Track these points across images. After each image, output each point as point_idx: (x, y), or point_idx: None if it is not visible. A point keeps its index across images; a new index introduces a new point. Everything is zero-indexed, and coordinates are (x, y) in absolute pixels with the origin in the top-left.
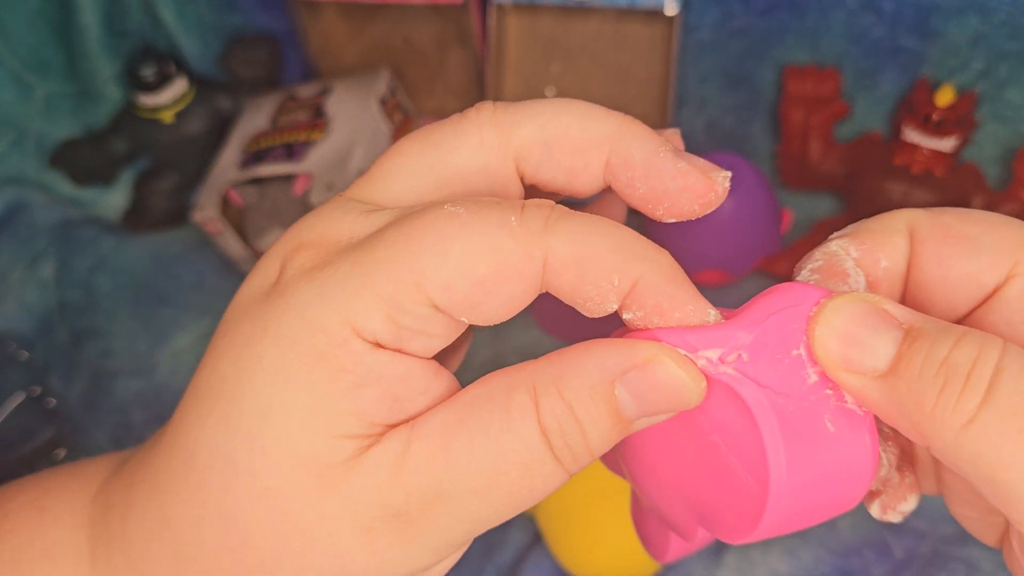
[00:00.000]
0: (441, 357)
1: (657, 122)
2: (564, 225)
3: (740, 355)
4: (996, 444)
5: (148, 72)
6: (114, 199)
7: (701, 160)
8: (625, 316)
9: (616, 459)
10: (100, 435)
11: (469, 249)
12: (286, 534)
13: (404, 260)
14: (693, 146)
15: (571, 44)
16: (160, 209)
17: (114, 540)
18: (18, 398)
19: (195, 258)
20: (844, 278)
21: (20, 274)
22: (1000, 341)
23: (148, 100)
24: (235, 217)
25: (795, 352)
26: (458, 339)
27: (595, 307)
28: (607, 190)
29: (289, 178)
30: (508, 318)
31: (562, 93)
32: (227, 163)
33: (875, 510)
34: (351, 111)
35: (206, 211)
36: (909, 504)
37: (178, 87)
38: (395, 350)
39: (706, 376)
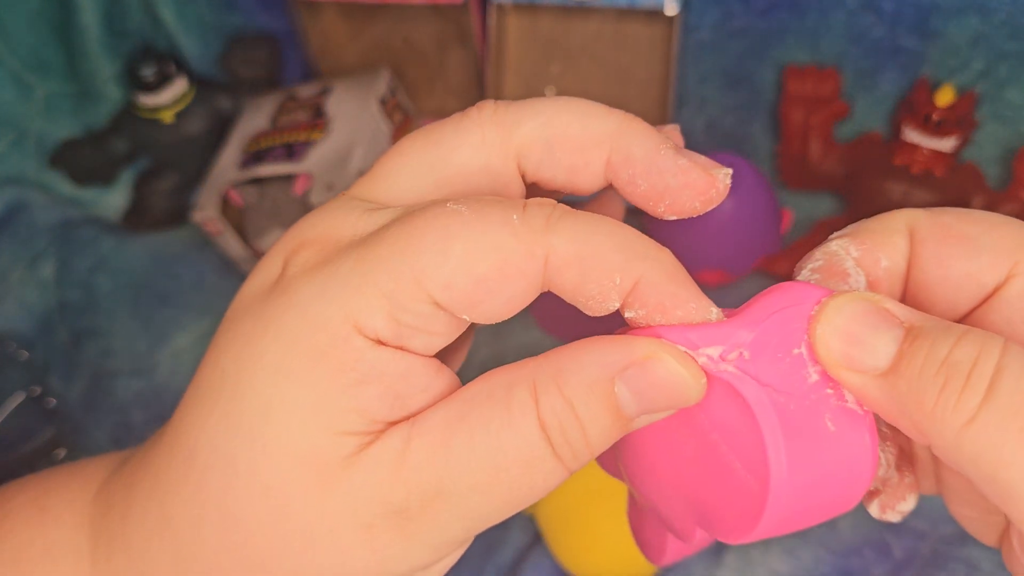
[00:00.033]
0: (443, 356)
1: (657, 122)
2: (566, 224)
3: (741, 353)
4: (997, 443)
5: (148, 72)
6: (114, 199)
7: (702, 157)
8: (627, 315)
9: (613, 461)
10: (100, 435)
11: (471, 247)
12: (286, 532)
13: (406, 258)
14: (693, 146)
15: (571, 44)
16: (160, 209)
17: (114, 539)
18: (18, 398)
19: (195, 258)
20: (844, 278)
21: (20, 274)
22: (1001, 340)
23: (148, 100)
24: (235, 217)
25: (796, 351)
26: (460, 338)
27: (597, 306)
28: (605, 189)
29: (289, 178)
30: (509, 316)
31: (562, 93)
32: (227, 163)
33: (874, 509)
34: (351, 111)
35: (206, 211)
36: (908, 504)
37: (178, 87)
38: (396, 347)
39: (707, 374)
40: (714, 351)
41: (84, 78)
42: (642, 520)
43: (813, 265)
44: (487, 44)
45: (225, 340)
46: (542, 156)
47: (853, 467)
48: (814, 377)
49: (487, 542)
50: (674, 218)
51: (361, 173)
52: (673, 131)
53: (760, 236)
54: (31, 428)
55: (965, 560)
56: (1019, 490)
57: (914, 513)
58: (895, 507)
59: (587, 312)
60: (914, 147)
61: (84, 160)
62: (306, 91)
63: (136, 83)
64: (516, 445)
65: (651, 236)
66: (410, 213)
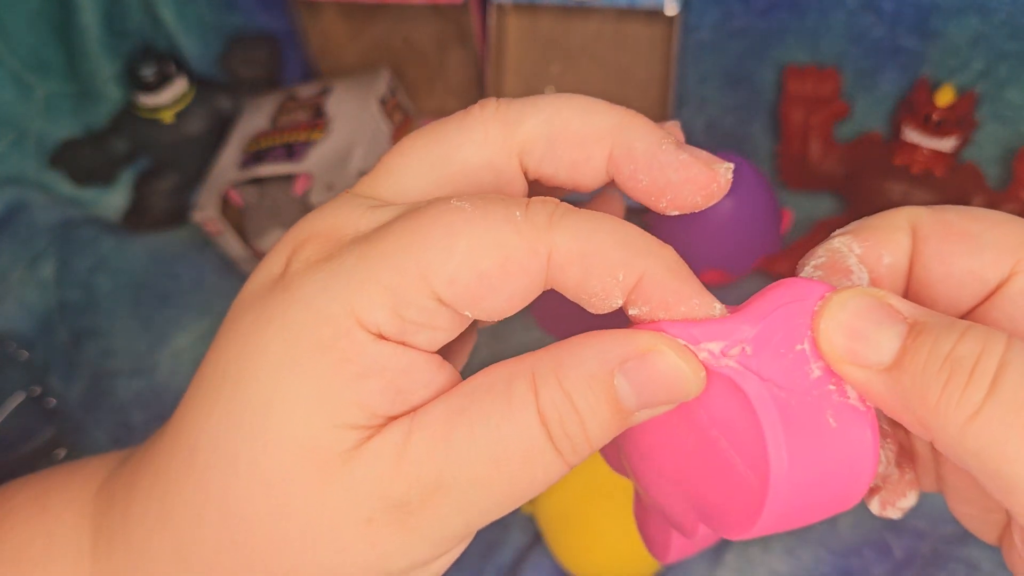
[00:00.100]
0: (445, 356)
1: (657, 122)
2: (568, 221)
3: (743, 348)
4: (1000, 438)
5: (148, 72)
6: (114, 199)
7: (703, 152)
8: (631, 312)
9: (617, 457)
10: (100, 435)
11: (474, 243)
12: (286, 527)
13: (410, 253)
14: (693, 146)
15: (571, 44)
16: (160, 209)
17: (115, 536)
18: (18, 398)
19: (195, 258)
20: (847, 275)
21: (20, 274)
22: (1004, 335)
23: (148, 100)
24: (235, 217)
25: (799, 347)
26: (463, 338)
27: (600, 303)
28: (606, 188)
29: (289, 178)
30: (512, 313)
31: (562, 92)
32: (227, 163)
33: (875, 506)
34: (351, 111)
35: (206, 211)
36: (909, 500)
37: (178, 87)
38: (399, 342)
39: (708, 369)
40: (716, 346)
41: (84, 78)
42: (647, 517)
43: (816, 262)
44: (487, 44)
45: (227, 336)
46: (544, 152)
47: (854, 464)
48: (816, 373)
49: (487, 542)
50: (676, 213)
51: (361, 173)
52: (674, 128)
53: (760, 236)
54: (31, 428)
55: (965, 560)
56: (1022, 485)
57: (914, 513)
58: (896, 504)
59: (590, 310)
60: (914, 147)
61: (84, 160)
62: (306, 91)
63: (136, 83)
64: (516, 438)
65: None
66: (414, 209)
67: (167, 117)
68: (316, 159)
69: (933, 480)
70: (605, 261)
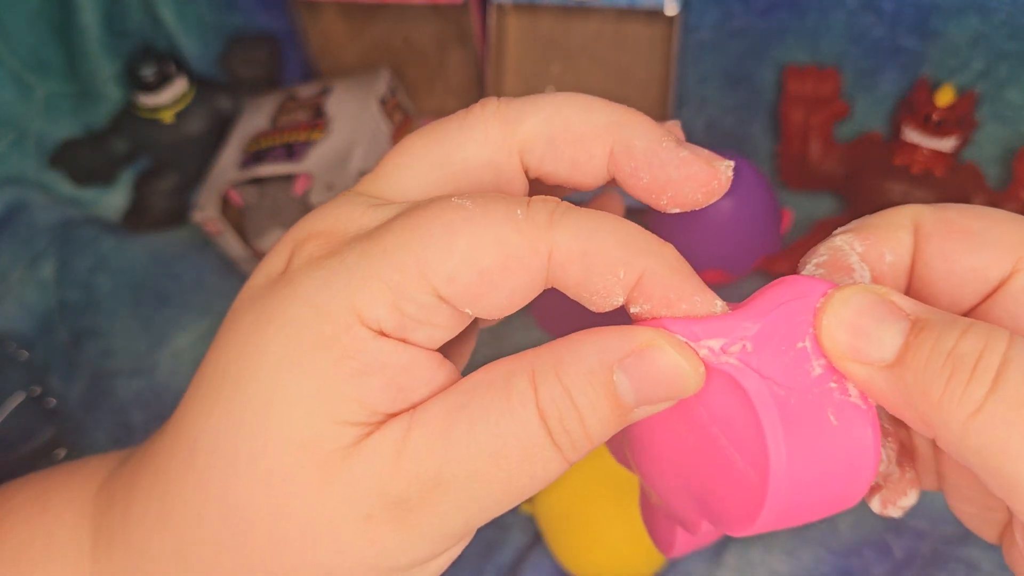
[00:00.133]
0: (446, 356)
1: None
2: (569, 219)
3: (744, 345)
4: (1002, 435)
5: (148, 72)
6: (114, 199)
7: (703, 149)
8: (633, 310)
9: (623, 451)
10: (100, 435)
11: (475, 241)
12: (286, 523)
13: (410, 250)
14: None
15: (571, 44)
16: (160, 209)
17: (115, 535)
18: (18, 398)
19: (195, 258)
20: (849, 273)
21: (20, 274)
22: (1007, 332)
23: (148, 100)
24: (235, 217)
25: (800, 344)
26: (463, 338)
27: (601, 301)
28: (606, 189)
29: (289, 178)
30: (512, 311)
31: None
32: (227, 163)
33: (875, 505)
34: (351, 111)
35: (206, 211)
36: (909, 499)
37: (178, 87)
38: (399, 340)
39: (708, 366)
40: (716, 343)
41: (84, 78)
42: (652, 512)
43: (818, 260)
44: (487, 44)
45: (228, 334)
46: (545, 150)
47: (855, 462)
48: (817, 371)
49: (487, 542)
50: (677, 211)
51: (361, 173)
52: (674, 127)
53: (760, 236)
54: (31, 428)
55: (965, 560)
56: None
57: (914, 513)
58: (896, 502)
59: (591, 308)
60: (914, 147)
61: (84, 160)
62: (306, 91)
63: (136, 83)
64: (515, 433)
65: None
66: (415, 207)
67: (167, 117)
68: (316, 159)
69: (934, 479)
70: (606, 259)
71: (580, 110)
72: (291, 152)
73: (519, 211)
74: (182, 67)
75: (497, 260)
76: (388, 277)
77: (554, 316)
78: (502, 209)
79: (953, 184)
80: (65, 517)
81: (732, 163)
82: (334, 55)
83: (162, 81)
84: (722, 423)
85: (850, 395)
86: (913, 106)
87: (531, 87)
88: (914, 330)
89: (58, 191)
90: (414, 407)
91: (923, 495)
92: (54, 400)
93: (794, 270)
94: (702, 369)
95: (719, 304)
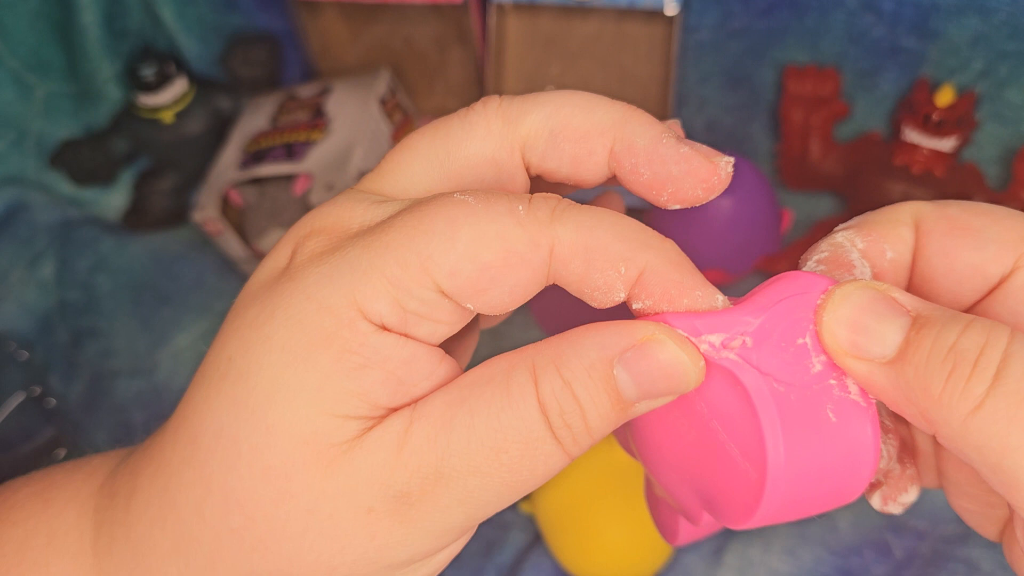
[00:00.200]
0: (448, 353)
1: None
2: (571, 215)
3: (744, 341)
4: (1003, 430)
5: (148, 72)
6: (114, 199)
7: (704, 146)
8: (635, 306)
9: (628, 441)
10: (100, 435)
11: (477, 236)
12: (287, 514)
13: (413, 245)
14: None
15: (571, 44)
16: (160, 209)
17: (117, 528)
18: (18, 398)
19: (195, 258)
20: (850, 269)
21: (20, 274)
22: (1008, 328)
23: (148, 100)
24: (235, 217)
25: (800, 340)
26: (465, 337)
27: (602, 296)
28: (606, 190)
29: (289, 178)
30: (514, 307)
31: None
32: (227, 163)
33: (876, 501)
34: (351, 111)
35: (206, 211)
36: (910, 495)
37: (178, 87)
38: (401, 334)
39: (708, 361)
40: (716, 338)
41: (84, 78)
42: (657, 501)
43: (819, 256)
44: (487, 44)
45: (232, 327)
46: (546, 147)
47: (854, 459)
48: (817, 367)
49: (487, 542)
50: (677, 207)
51: (361, 173)
52: (674, 125)
53: (760, 236)
54: (31, 428)
55: (965, 560)
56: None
57: (914, 513)
58: (897, 499)
59: (592, 304)
60: (914, 147)
61: (84, 160)
62: (306, 91)
63: (136, 83)
64: (515, 427)
65: None
66: (418, 203)
67: (167, 117)
68: (316, 159)
69: (934, 476)
70: (607, 254)
71: (581, 107)
72: (291, 152)
73: (521, 207)
74: (182, 67)
75: (499, 255)
76: (390, 272)
77: (554, 315)
78: (504, 205)
79: (953, 184)
80: (67, 513)
81: (732, 159)
82: (334, 55)
83: (162, 81)
84: (722, 418)
85: (850, 392)
86: (913, 106)
87: (531, 87)
88: (915, 326)
89: (58, 191)
90: (415, 401)
91: (923, 495)
92: (54, 400)
93: (799, 262)
94: (702, 363)
95: (720, 299)
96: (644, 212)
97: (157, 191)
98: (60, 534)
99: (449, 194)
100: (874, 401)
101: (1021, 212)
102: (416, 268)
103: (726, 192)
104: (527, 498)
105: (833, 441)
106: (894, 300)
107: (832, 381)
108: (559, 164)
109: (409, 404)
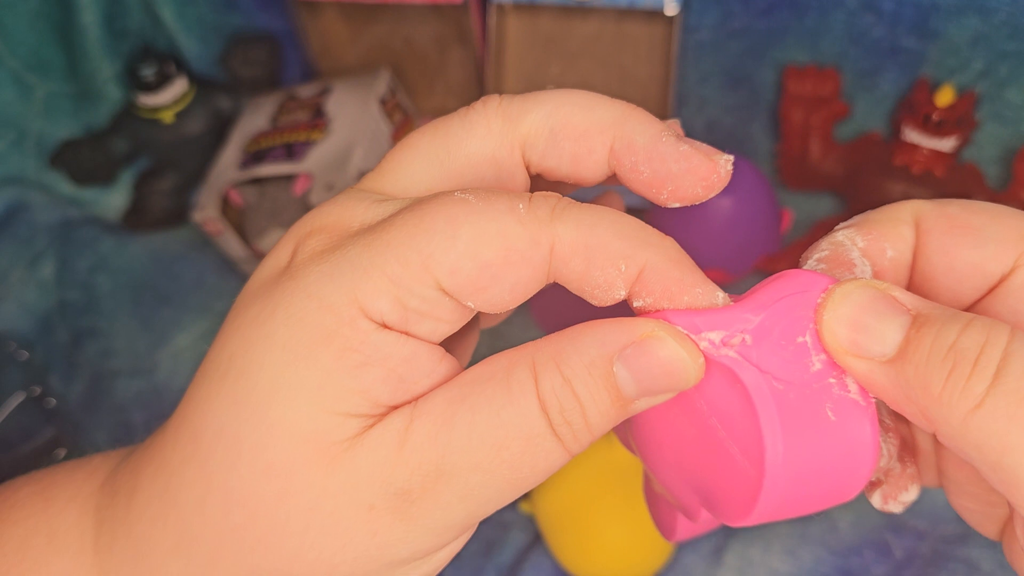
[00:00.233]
0: (448, 351)
1: None
2: (571, 213)
3: (744, 338)
4: (1002, 429)
5: (148, 72)
6: (114, 199)
7: (703, 144)
8: (636, 304)
9: (628, 437)
10: (100, 435)
11: (477, 234)
12: (288, 511)
13: (413, 243)
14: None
15: (571, 44)
16: (160, 209)
17: (118, 526)
18: (18, 398)
19: (195, 258)
20: (850, 268)
21: (20, 274)
22: (1008, 327)
23: (148, 100)
24: (235, 217)
25: (800, 339)
26: (465, 337)
27: (603, 294)
28: (606, 191)
29: (289, 178)
30: (514, 305)
31: None
32: (227, 163)
33: (876, 500)
34: (351, 111)
35: (206, 211)
36: (911, 494)
37: (178, 87)
38: (402, 332)
39: (707, 359)
40: (716, 336)
41: (84, 78)
42: (656, 497)
43: (819, 255)
44: (487, 44)
45: (233, 325)
46: (547, 145)
47: (853, 458)
48: (817, 366)
49: (487, 542)
50: (677, 205)
51: (361, 173)
52: (674, 124)
53: (760, 236)
54: (31, 428)
55: (965, 560)
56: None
57: (914, 513)
58: (897, 497)
59: (593, 302)
60: (914, 147)
61: (84, 160)
62: (306, 91)
63: (136, 83)
64: (516, 423)
65: None
66: (418, 201)
67: (167, 117)
68: (316, 159)
69: (935, 475)
70: (607, 252)
71: (581, 106)
72: (291, 152)
73: (521, 205)
74: (182, 67)
75: (499, 253)
76: (391, 270)
77: (554, 316)
78: (505, 203)
79: (953, 184)
80: (68, 512)
81: (731, 157)
82: (334, 55)
83: (162, 81)
84: (721, 415)
85: (849, 391)
86: (913, 106)
87: (531, 87)
88: (915, 325)
89: (58, 191)
90: (416, 399)
91: (924, 495)
92: (54, 400)
93: (800, 260)
94: (702, 361)
95: (720, 296)
96: (644, 212)
97: (157, 191)
98: (61, 533)
99: (450, 193)
100: (874, 400)
101: (1021, 211)
102: (417, 266)
103: (726, 192)
104: (527, 498)
105: (832, 439)
106: (894, 299)
107: (831, 380)
108: (559, 162)
109: (410, 402)
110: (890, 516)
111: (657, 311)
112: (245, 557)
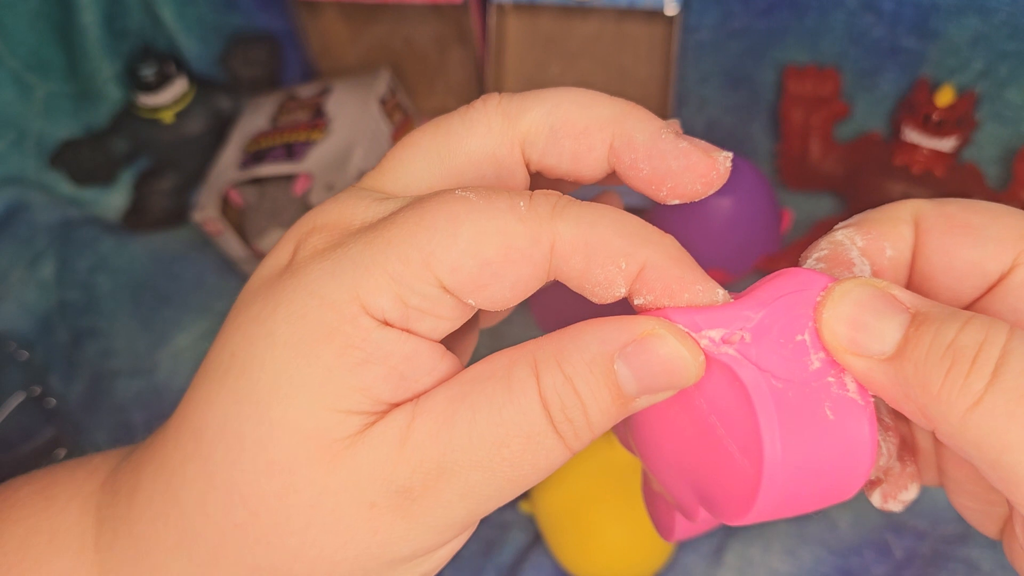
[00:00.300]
0: (449, 350)
1: None
2: (571, 211)
3: (743, 337)
4: (1002, 426)
5: (148, 72)
6: (114, 199)
7: (702, 141)
8: (636, 302)
9: (627, 436)
10: (100, 435)
11: (478, 231)
12: (290, 508)
13: (414, 240)
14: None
15: (571, 44)
16: (160, 209)
17: (119, 524)
18: (18, 398)
19: (195, 258)
20: (849, 267)
21: (20, 274)
22: (1006, 325)
23: (148, 100)
24: (235, 217)
25: (799, 337)
26: (465, 336)
27: (603, 292)
28: (605, 191)
29: (289, 178)
30: (515, 303)
31: None
32: (227, 163)
33: (876, 499)
34: (351, 111)
35: (206, 211)
36: (910, 493)
37: (178, 87)
38: (403, 329)
39: (707, 357)
40: (716, 333)
41: (84, 78)
42: (654, 497)
43: (818, 254)
44: (487, 44)
45: (234, 323)
46: (546, 143)
47: (851, 457)
48: (816, 364)
49: (487, 542)
50: (676, 202)
51: (361, 173)
52: (674, 124)
53: (760, 236)
54: (31, 428)
55: (965, 560)
56: (1022, 473)
57: (914, 513)
58: (897, 496)
59: (593, 300)
60: (914, 147)
61: (84, 160)
62: (306, 91)
63: (136, 83)
64: (517, 421)
65: None
66: (419, 199)
67: (167, 117)
68: (316, 159)
69: (934, 473)
70: (608, 249)
71: (581, 104)
72: (291, 152)
73: (522, 203)
74: (182, 67)
75: (500, 250)
76: (392, 267)
77: (554, 315)
78: (505, 201)
79: (953, 184)
80: (69, 511)
81: (730, 154)
82: (334, 55)
83: (162, 81)
84: (720, 413)
85: (848, 390)
86: (913, 106)
87: (531, 87)
88: (914, 323)
89: (58, 191)
90: (417, 397)
91: (923, 495)
92: (54, 400)
93: (799, 259)
94: (702, 358)
95: (721, 293)
96: (644, 211)
97: (157, 191)
98: (62, 531)
99: (450, 191)
100: (873, 399)
101: (1020, 210)
102: (418, 264)
103: (726, 192)
104: (526, 497)
105: (830, 438)
106: (893, 297)
107: (830, 378)
108: (559, 160)
109: (411, 400)
110: (890, 516)
111: (657, 309)
112: (246, 555)
